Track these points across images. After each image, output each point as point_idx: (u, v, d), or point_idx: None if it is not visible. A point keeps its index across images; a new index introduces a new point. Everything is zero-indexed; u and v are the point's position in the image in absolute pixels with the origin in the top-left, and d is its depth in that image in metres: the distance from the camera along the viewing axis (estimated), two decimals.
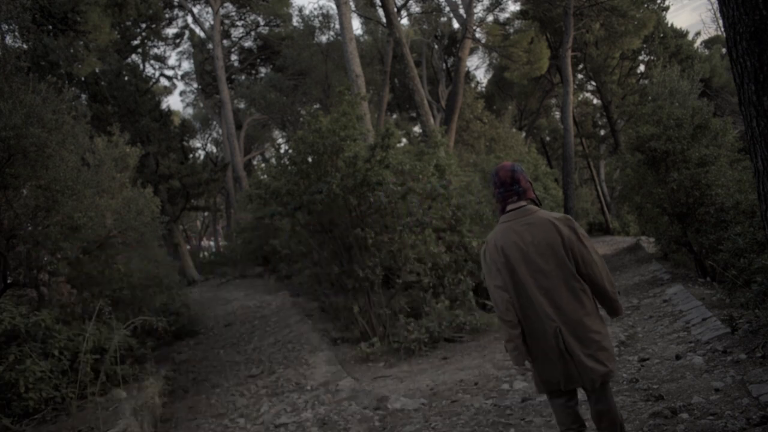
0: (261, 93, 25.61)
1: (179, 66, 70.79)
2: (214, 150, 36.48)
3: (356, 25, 50.15)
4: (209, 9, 25.15)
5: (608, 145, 32.45)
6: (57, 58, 13.62)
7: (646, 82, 26.16)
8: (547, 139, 35.75)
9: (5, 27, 9.93)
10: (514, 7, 67.47)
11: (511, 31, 25.23)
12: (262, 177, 11.16)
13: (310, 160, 8.95)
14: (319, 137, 8.60)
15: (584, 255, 2.70)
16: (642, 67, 28.76)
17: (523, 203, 2.83)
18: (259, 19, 28.49)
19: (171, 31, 28.26)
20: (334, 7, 26.26)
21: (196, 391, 7.51)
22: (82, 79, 17.14)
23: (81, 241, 7.14)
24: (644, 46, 26.72)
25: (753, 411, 3.50)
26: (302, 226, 9.42)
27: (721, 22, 4.22)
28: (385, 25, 18.98)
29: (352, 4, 16.97)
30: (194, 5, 26.63)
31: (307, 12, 54.27)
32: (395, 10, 18.24)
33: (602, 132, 33.89)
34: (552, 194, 16.48)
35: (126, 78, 18.67)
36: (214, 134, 36.61)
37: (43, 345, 5.79)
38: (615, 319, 2.88)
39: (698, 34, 46.31)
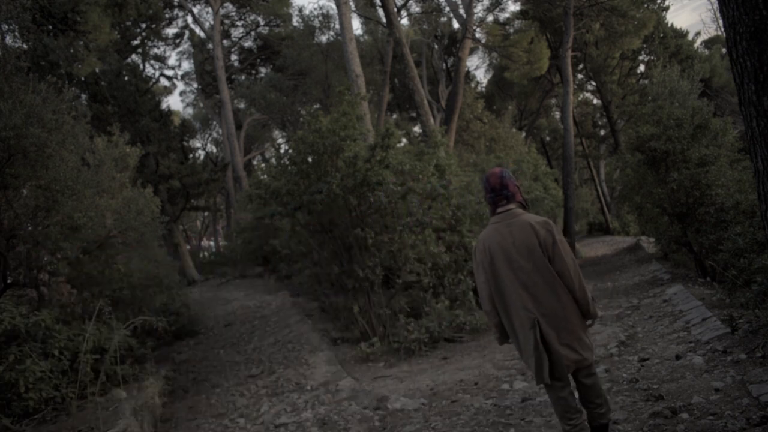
0: (261, 93, 25.61)
1: (179, 66, 70.93)
2: (214, 150, 36.50)
3: (356, 25, 50.20)
4: (209, 9, 25.15)
5: (608, 145, 32.46)
6: (57, 58, 13.62)
7: (646, 82, 26.17)
8: (547, 139, 35.76)
9: (5, 27, 9.93)
10: (514, 7, 67.53)
11: (511, 31, 25.22)
12: (262, 177, 11.15)
13: (310, 160, 8.94)
14: (319, 137, 8.59)
15: (557, 256, 2.99)
16: (642, 67, 28.77)
17: (511, 206, 3.14)
18: (259, 19, 28.49)
19: (171, 31, 28.31)
20: (334, 7, 26.29)
21: (196, 391, 7.51)
22: (82, 79, 17.14)
23: (81, 241, 7.14)
24: (644, 46, 26.71)
25: (753, 411, 3.50)
26: (302, 226, 9.42)
27: (721, 22, 4.22)
28: (385, 25, 18.98)
29: (352, 4, 16.97)
30: (194, 5, 26.65)
31: (307, 12, 54.33)
32: (395, 10, 18.24)
33: (602, 132, 33.91)
34: (552, 194, 16.47)
35: (126, 78, 18.67)
36: (214, 134, 36.64)
37: (43, 345, 5.78)
38: (590, 322, 3.19)
39: (698, 34, 46.37)
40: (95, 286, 8.08)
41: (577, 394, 3.22)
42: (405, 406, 5.34)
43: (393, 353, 8.04)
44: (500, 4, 25.12)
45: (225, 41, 27.64)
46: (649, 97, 17.14)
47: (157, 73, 27.53)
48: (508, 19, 26.39)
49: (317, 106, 22.38)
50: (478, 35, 23.80)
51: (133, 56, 22.59)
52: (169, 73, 58.58)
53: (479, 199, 10.37)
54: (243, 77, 30.53)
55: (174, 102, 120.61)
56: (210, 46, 25.24)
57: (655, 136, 9.63)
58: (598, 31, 23.29)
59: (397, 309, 8.82)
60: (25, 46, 11.48)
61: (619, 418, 3.89)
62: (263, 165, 32.58)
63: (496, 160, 14.06)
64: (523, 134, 29.89)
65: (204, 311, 12.81)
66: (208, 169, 20.83)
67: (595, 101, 32.66)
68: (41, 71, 11.70)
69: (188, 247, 27.44)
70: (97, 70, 17.27)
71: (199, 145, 36.75)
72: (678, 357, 5.06)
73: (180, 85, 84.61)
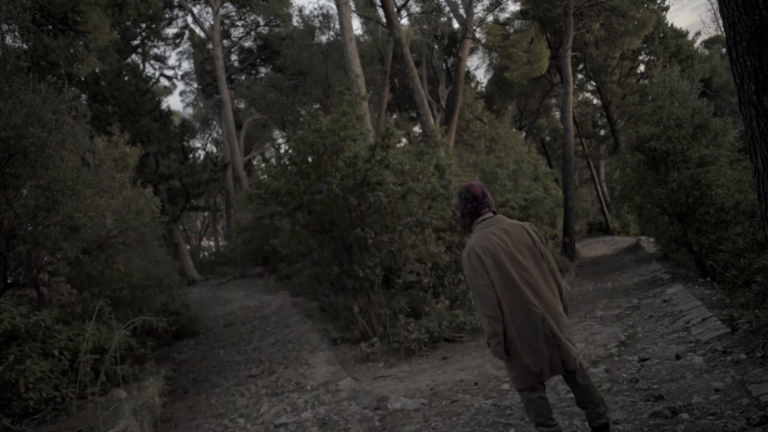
0: (261, 93, 25.61)
1: (179, 66, 70.92)
2: (214, 150, 36.50)
3: (356, 25, 50.20)
4: (209, 9, 25.15)
5: (608, 145, 32.48)
6: (57, 58, 13.62)
7: (646, 82, 26.18)
8: (547, 139, 35.75)
9: (5, 27, 9.94)
10: (514, 7, 67.54)
11: (511, 31, 25.22)
12: (262, 177, 11.14)
13: (310, 160, 8.94)
14: (319, 137, 8.59)
15: (545, 254, 3.23)
16: (642, 67, 28.78)
17: (491, 214, 3.29)
18: (259, 19, 28.49)
19: (171, 31, 28.29)
20: (334, 7, 26.28)
21: (196, 391, 7.51)
22: (82, 79, 17.14)
23: (81, 241, 7.14)
24: (644, 46, 26.72)
25: (753, 411, 3.50)
26: (302, 226, 9.42)
27: (721, 22, 4.22)
28: (385, 25, 18.98)
29: (352, 4, 16.97)
30: (194, 5, 26.65)
31: (307, 12, 54.31)
32: (395, 10, 18.24)
33: (602, 132, 33.92)
34: (552, 194, 16.43)
35: (126, 78, 18.67)
36: (214, 134, 36.64)
37: (43, 345, 5.78)
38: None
39: (698, 34, 46.37)
40: (95, 286, 8.07)
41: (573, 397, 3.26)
42: (405, 406, 5.34)
43: (393, 353, 8.04)
44: (500, 4, 25.14)
45: (225, 41, 27.65)
46: (649, 97, 17.16)
47: (157, 73, 27.58)
48: (508, 19, 26.42)
49: (317, 106, 22.37)
50: (478, 35, 23.82)
51: (133, 56, 22.59)
52: (169, 73, 58.63)
53: None
54: (243, 77, 30.54)
55: (174, 102, 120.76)
56: (210, 46, 25.24)
57: (655, 136, 9.64)
58: (598, 31, 23.29)
59: (397, 309, 8.82)
60: (25, 46, 11.48)
61: (619, 418, 3.89)
62: (263, 165, 32.59)
63: (496, 160, 14.03)
64: (523, 134, 29.88)
65: (204, 311, 12.80)
66: (208, 169, 20.83)
67: (595, 101, 32.67)
68: (41, 71, 11.71)
69: (188, 247, 27.44)
70: (97, 70, 17.27)
71: (199, 145, 36.80)
72: (678, 357, 5.06)
73: (180, 85, 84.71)
